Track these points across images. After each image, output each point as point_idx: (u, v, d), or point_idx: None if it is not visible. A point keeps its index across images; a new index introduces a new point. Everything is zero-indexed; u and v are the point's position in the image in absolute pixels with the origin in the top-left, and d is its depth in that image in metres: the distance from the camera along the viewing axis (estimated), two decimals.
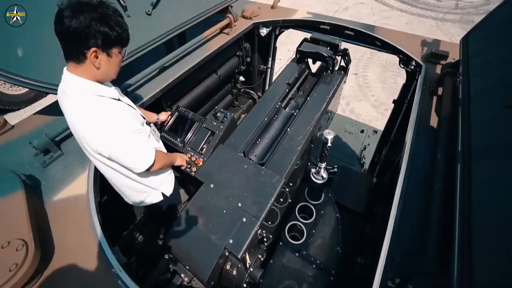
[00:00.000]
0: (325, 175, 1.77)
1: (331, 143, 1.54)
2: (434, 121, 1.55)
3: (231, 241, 1.27)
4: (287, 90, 2.09)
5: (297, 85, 2.24)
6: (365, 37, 2.37)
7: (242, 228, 1.31)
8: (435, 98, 1.69)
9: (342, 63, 2.37)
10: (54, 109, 1.73)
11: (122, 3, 1.76)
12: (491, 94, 1.12)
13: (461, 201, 0.90)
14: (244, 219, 1.33)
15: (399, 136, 2.39)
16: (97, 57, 1.07)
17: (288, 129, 1.78)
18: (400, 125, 2.37)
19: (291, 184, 1.67)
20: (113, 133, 1.16)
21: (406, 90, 2.34)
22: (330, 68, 2.19)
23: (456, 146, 1.09)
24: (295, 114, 1.91)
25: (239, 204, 1.39)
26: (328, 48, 2.17)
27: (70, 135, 1.58)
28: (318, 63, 2.38)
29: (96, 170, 1.42)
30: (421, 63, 1.96)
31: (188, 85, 2.36)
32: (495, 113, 1.02)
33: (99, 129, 1.14)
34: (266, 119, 1.87)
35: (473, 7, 8.30)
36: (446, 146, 1.26)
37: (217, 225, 1.33)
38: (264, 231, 1.41)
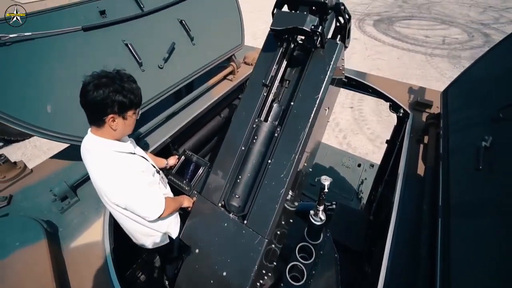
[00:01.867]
0: (323, 216, 1.86)
1: (327, 188, 1.66)
2: (421, 169, 1.69)
3: None
4: (264, 94, 1.58)
5: (278, 78, 1.62)
6: (357, 83, 2.58)
7: None
8: (421, 146, 1.84)
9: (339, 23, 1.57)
10: (70, 153, 1.88)
11: (138, 60, 1.98)
12: (465, 152, 1.27)
13: (441, 254, 1.01)
14: None
15: (392, 177, 2.51)
16: (114, 121, 1.24)
17: (269, 161, 1.42)
18: (393, 165, 2.50)
19: (283, 221, 1.56)
20: (129, 188, 1.31)
21: (397, 132, 2.50)
22: (319, 43, 1.47)
23: (437, 200, 1.22)
24: (276, 135, 1.48)
25: (224, 273, 1.34)
26: (314, 8, 1.44)
27: (86, 180, 1.71)
28: None
29: (111, 217, 1.53)
30: (409, 111, 2.13)
31: (193, 129, 2.54)
32: (468, 173, 1.16)
33: (117, 184, 1.29)
34: (243, 147, 1.54)
35: (459, 43, 8.85)
36: (430, 197, 1.39)
37: None
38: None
